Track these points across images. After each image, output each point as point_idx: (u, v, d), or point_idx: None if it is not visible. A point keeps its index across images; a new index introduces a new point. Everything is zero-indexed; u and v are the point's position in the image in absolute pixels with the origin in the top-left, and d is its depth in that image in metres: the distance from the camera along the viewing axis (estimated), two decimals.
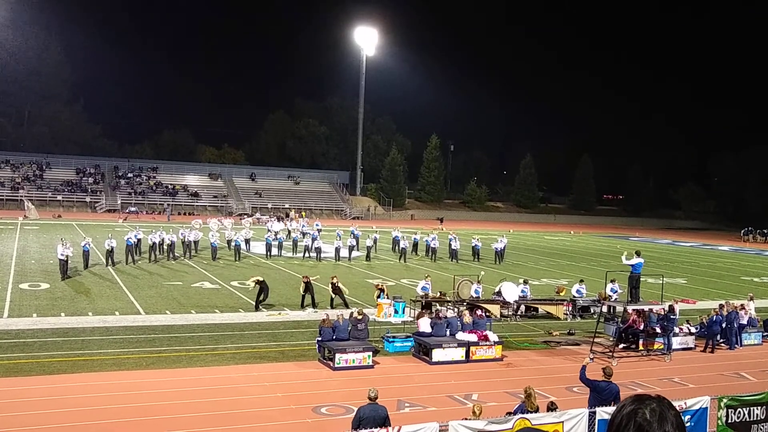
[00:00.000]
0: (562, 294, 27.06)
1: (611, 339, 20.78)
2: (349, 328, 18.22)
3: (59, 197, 70.48)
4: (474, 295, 23.70)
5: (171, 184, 78.80)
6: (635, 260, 20.09)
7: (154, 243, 34.70)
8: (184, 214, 71.43)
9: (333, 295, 24.28)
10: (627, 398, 2.50)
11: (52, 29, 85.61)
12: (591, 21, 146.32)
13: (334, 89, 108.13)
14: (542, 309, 25.03)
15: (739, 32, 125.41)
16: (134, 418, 12.97)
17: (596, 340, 20.50)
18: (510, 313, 24.19)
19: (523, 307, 24.62)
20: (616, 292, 24.92)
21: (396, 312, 22.36)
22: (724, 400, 12.54)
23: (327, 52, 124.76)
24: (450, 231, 51.63)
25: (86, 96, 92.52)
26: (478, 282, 24.72)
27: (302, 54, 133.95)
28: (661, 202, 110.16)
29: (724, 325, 21.40)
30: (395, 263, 38.97)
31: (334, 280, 24.61)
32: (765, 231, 78.90)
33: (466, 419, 10.98)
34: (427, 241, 42.43)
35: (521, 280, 26.67)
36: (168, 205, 70.42)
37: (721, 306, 22.10)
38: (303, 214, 65.06)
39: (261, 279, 24.32)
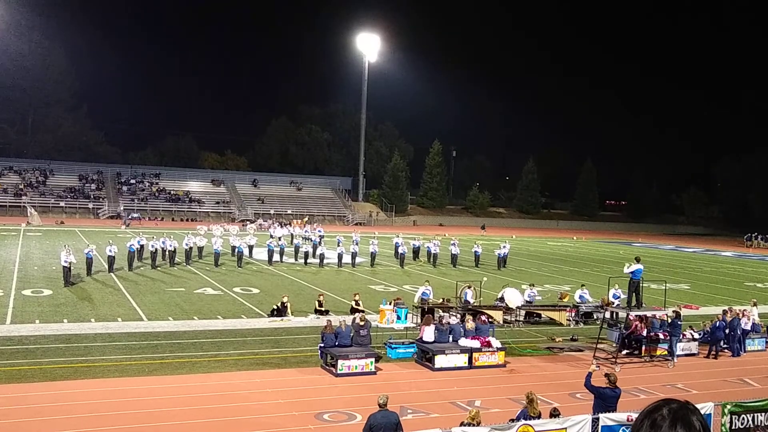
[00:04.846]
0: (565, 300, 27.01)
1: (614, 345, 20.73)
2: (352, 335, 18.20)
3: (62, 204, 70.57)
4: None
5: (173, 191, 78.92)
6: (634, 266, 20.09)
7: (155, 249, 34.70)
8: (187, 220, 71.53)
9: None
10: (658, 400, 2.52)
11: (56, 36, 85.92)
12: (594, 26, 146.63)
13: (336, 95, 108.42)
14: (545, 315, 25.01)
15: (744, 36, 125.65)
16: (137, 425, 12.96)
17: (599, 346, 20.47)
18: (513, 319, 24.17)
19: (524, 313, 24.61)
20: (618, 297, 24.87)
21: (398, 318, 22.37)
22: (728, 407, 12.51)
23: (329, 58, 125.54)
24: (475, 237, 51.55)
25: (89, 102, 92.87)
26: (470, 287, 24.65)
27: (305, 60, 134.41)
28: (664, 208, 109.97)
29: (727, 331, 21.34)
30: (397, 269, 38.97)
31: (357, 298, 24.83)
32: None
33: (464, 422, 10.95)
34: (428, 247, 42.43)
35: (526, 285, 26.64)
36: (125, 210, 68.82)
37: (725, 312, 22.04)
38: (305, 220, 64.99)
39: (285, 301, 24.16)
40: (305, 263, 38.67)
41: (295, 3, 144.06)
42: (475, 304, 24.17)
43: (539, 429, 11.07)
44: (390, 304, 23.30)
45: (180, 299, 26.17)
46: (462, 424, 11.02)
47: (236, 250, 37.64)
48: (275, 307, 23.91)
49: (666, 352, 20.07)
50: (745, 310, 23.02)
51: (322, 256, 38.45)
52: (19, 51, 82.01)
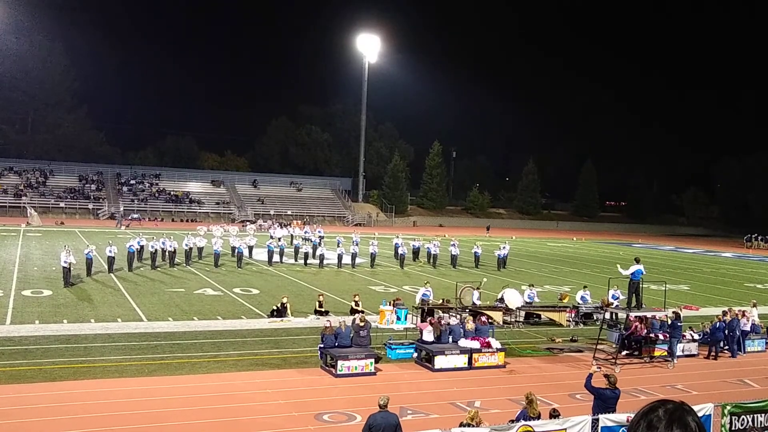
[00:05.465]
0: (564, 301, 27.00)
1: (614, 346, 20.73)
2: (352, 335, 18.20)
3: (62, 204, 70.60)
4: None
5: (173, 191, 78.91)
6: (634, 267, 20.08)
7: (155, 250, 34.68)
8: (187, 221, 71.49)
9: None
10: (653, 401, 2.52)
11: (56, 36, 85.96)
12: (594, 27, 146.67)
13: (336, 96, 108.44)
14: (545, 316, 24.99)
15: (744, 38, 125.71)
16: (137, 425, 12.96)
17: (599, 347, 20.47)
18: (513, 319, 24.17)
19: (524, 313, 24.61)
20: (617, 298, 24.86)
21: (398, 319, 22.35)
22: (728, 408, 12.50)
23: (330, 58, 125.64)
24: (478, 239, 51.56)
25: (90, 103, 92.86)
26: (477, 288, 24.63)
27: (305, 61, 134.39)
28: (664, 208, 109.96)
29: (727, 332, 21.34)
30: (397, 270, 38.96)
31: (356, 298, 24.83)
32: None
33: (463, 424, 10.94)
34: (428, 248, 42.41)
35: (526, 285, 26.61)
36: (123, 211, 68.15)
37: (725, 312, 22.04)
38: (305, 221, 64.98)
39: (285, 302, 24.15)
40: (305, 264, 38.65)
41: (295, 3, 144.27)
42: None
43: (539, 430, 11.07)
44: (390, 304, 23.28)
45: (180, 300, 26.17)
46: (461, 425, 11.02)
47: (236, 250, 37.62)
48: (275, 307, 23.92)
49: (666, 353, 20.07)
50: (744, 311, 23.03)
51: (321, 257, 38.45)
52: (19, 51, 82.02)
